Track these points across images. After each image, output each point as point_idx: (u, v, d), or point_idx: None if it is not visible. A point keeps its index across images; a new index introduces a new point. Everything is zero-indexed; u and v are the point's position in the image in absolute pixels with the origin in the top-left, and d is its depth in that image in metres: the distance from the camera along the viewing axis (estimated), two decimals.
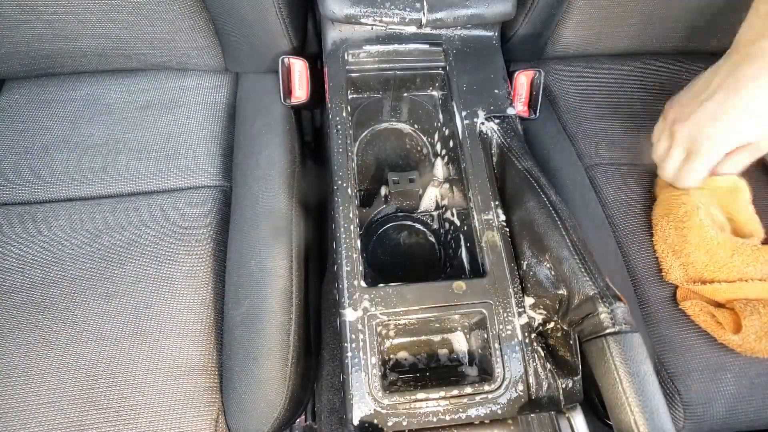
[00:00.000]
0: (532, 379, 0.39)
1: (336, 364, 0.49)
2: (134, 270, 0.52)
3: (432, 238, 0.55)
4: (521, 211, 0.44)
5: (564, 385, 0.39)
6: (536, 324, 0.41)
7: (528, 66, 0.63)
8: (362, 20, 0.52)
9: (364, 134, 0.59)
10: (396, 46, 0.53)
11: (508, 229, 0.45)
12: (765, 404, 0.47)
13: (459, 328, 0.44)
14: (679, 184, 0.50)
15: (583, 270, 0.37)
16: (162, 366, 0.47)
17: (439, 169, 0.55)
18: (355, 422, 0.37)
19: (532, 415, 0.36)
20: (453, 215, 0.52)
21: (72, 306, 0.50)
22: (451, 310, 0.41)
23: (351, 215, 0.44)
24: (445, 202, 0.54)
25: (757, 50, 0.42)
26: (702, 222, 0.49)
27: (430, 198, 0.55)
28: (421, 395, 0.37)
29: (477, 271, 0.44)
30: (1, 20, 0.55)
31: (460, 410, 0.38)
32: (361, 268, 0.42)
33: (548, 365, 0.40)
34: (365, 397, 0.37)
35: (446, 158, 0.54)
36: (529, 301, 0.42)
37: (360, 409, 0.37)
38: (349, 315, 0.40)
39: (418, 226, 0.56)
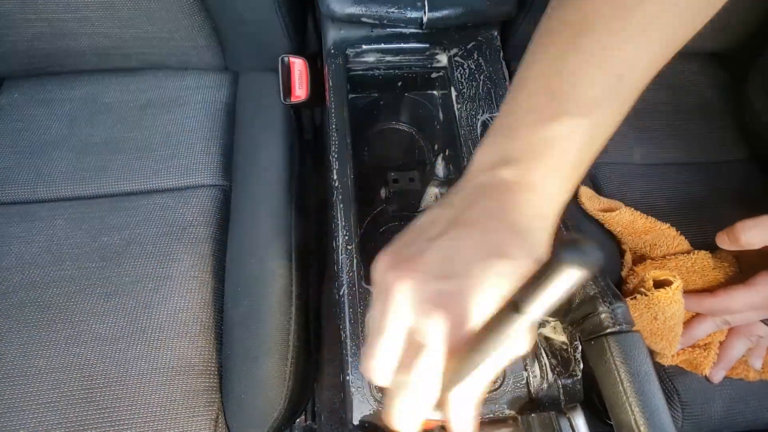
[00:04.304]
0: (532, 379, 0.39)
1: (336, 364, 0.49)
2: (133, 269, 0.52)
3: None
4: None
5: (564, 385, 0.39)
6: (536, 324, 0.41)
7: None
8: (363, 19, 0.51)
9: (364, 134, 0.59)
10: (396, 46, 0.53)
11: None
12: (763, 404, 0.47)
13: None
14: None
15: None
16: (161, 366, 0.47)
17: (440, 168, 0.55)
18: (355, 422, 0.37)
19: (533, 414, 0.36)
20: None
21: (71, 305, 0.50)
22: None
23: (351, 215, 0.44)
24: None
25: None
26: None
27: (430, 197, 0.55)
28: None
29: None
30: (1, 19, 0.55)
31: None
32: (361, 268, 0.42)
33: (548, 365, 0.40)
34: (365, 397, 0.37)
35: (446, 158, 0.54)
36: None
37: (360, 409, 0.37)
38: (349, 315, 0.40)
39: None
